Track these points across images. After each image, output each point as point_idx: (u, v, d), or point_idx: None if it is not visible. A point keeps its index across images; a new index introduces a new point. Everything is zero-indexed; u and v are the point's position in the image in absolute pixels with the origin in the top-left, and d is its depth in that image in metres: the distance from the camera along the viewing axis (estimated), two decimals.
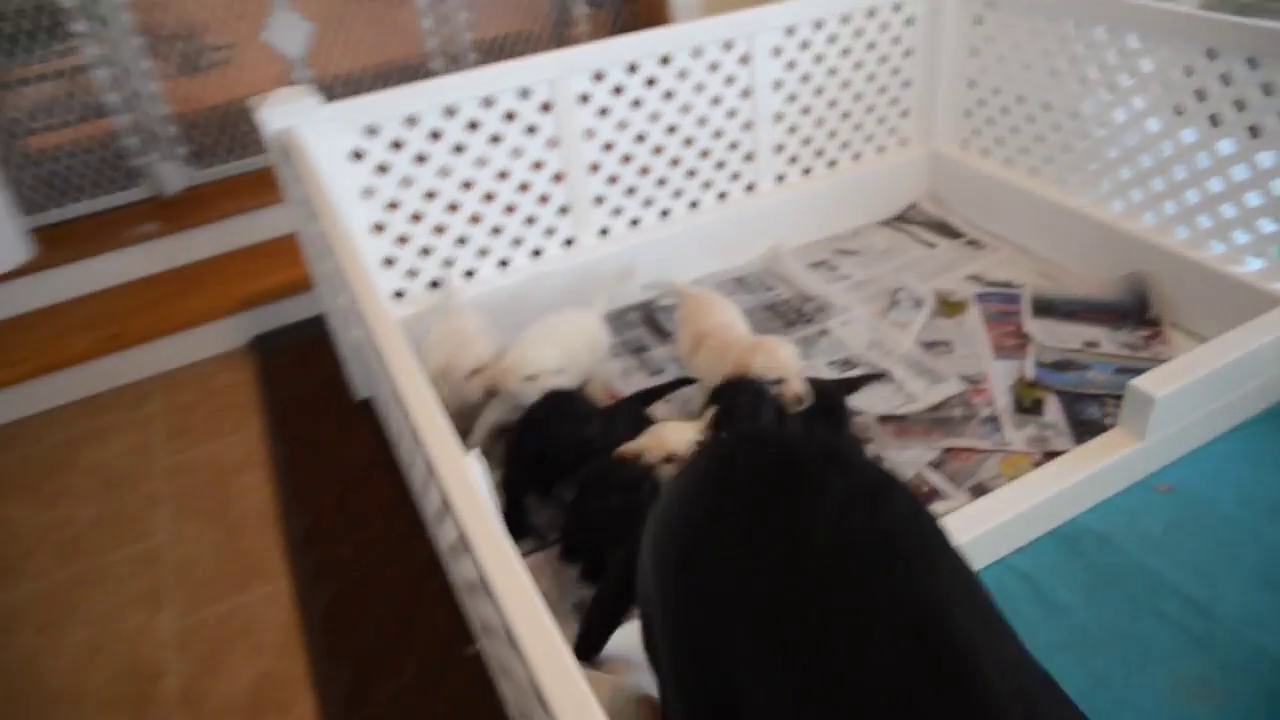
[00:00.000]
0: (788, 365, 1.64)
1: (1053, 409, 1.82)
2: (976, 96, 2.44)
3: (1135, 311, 2.05)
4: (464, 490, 0.93)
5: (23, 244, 2.46)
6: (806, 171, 2.46)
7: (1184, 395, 1.58)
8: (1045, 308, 2.12)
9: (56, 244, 2.53)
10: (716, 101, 2.25)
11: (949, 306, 2.16)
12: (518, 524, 1.62)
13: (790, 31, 2.25)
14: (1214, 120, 1.90)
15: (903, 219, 2.57)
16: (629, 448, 1.53)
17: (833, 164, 2.49)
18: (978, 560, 1.49)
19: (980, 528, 1.47)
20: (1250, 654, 1.33)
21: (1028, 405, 1.84)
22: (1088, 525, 1.57)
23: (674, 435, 1.54)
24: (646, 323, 2.23)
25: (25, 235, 2.48)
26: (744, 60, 2.23)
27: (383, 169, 1.97)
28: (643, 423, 1.69)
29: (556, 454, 1.58)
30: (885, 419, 1.82)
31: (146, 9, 2.65)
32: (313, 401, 2.17)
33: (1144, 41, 1.98)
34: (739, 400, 1.58)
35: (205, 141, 2.84)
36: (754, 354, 1.65)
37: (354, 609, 1.60)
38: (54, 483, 2.04)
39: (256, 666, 1.55)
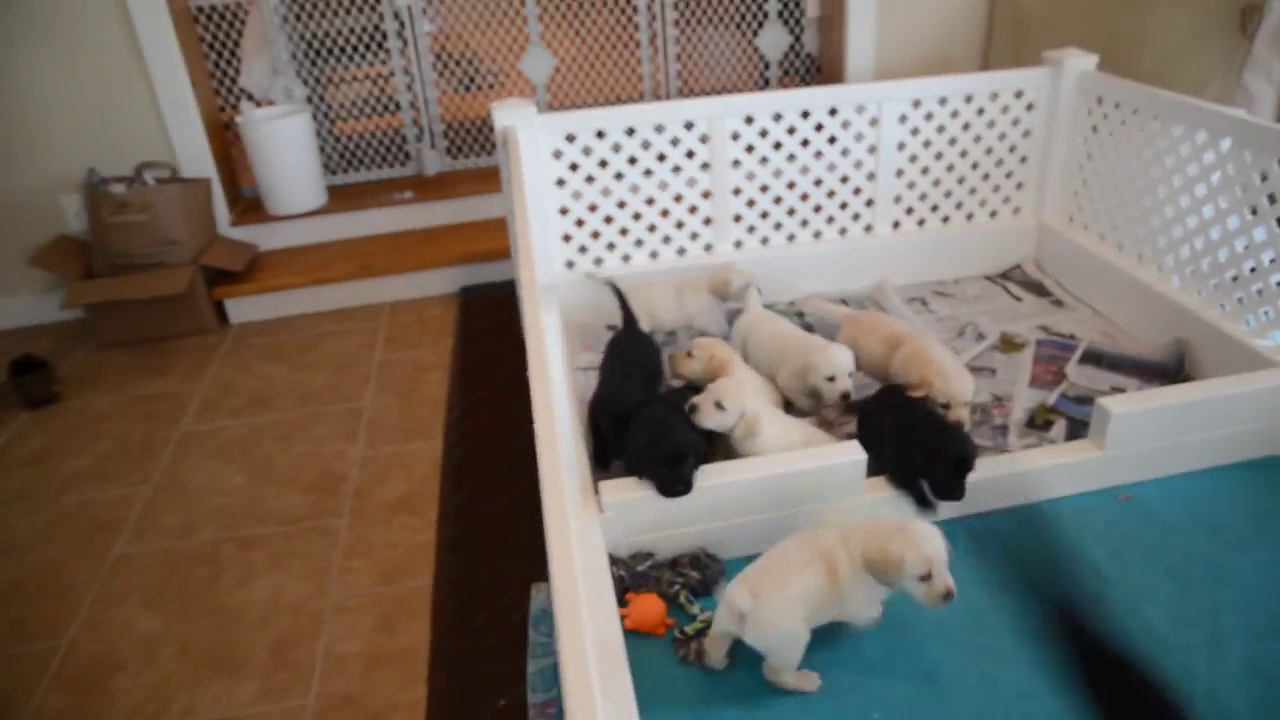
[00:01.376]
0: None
1: (1058, 430, 2.17)
2: (1083, 178, 2.79)
3: (1172, 371, 2.34)
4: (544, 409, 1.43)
5: (322, 193, 3.37)
6: (921, 223, 2.90)
7: (1142, 418, 1.92)
8: (1094, 358, 2.44)
9: (343, 197, 3.43)
10: (845, 153, 2.75)
11: (1009, 345, 2.53)
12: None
13: (916, 104, 2.72)
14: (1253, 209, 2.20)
15: (1006, 277, 2.94)
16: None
17: (946, 220, 2.91)
18: (945, 512, 1.89)
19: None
20: (1140, 622, 1.66)
21: (1039, 424, 2.20)
22: (1046, 510, 1.93)
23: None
24: None
25: (324, 188, 3.39)
26: (873, 123, 2.72)
27: (574, 167, 2.63)
28: None
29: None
30: None
31: (442, 37, 3.52)
32: (491, 334, 2.86)
33: (1229, 145, 2.30)
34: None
35: (462, 140, 3.67)
36: (938, 378, 1.99)
37: (479, 459, 2.23)
38: (304, 358, 2.84)
39: (407, 485, 2.20)
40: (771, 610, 1.45)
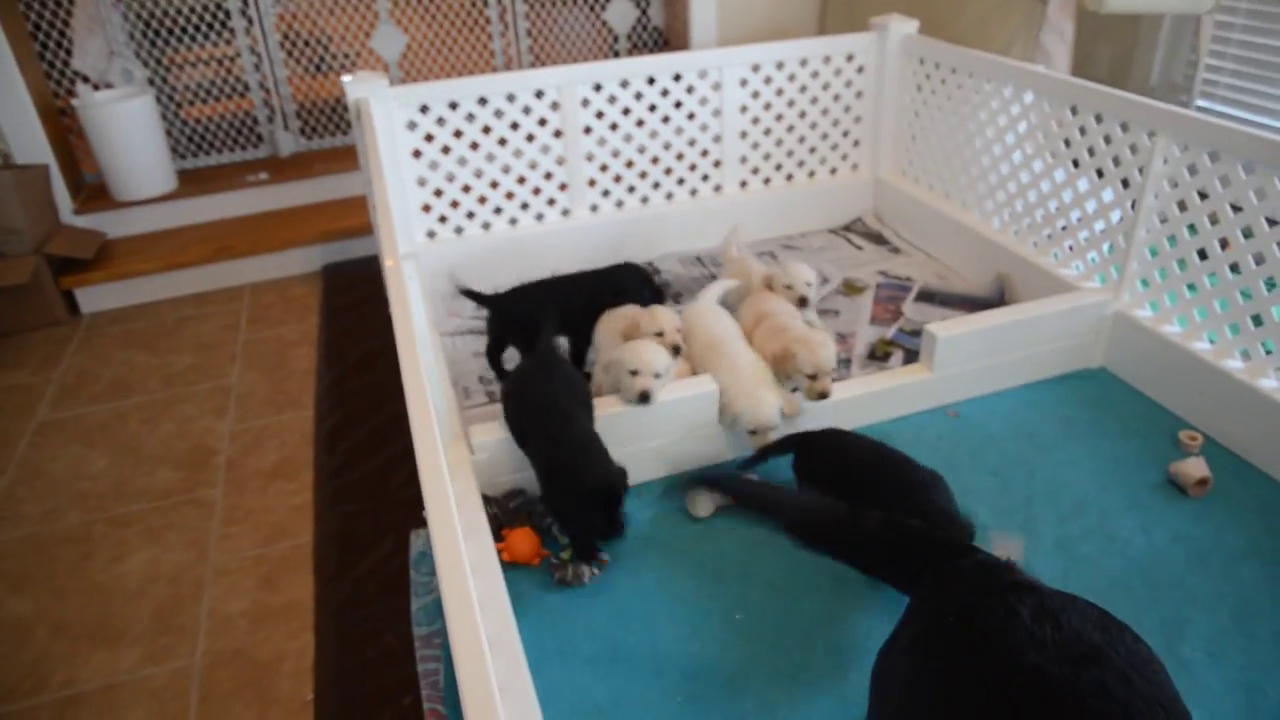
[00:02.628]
0: (825, 363, 1.95)
1: (895, 360, 2.37)
2: (911, 134, 3.02)
3: (995, 303, 2.58)
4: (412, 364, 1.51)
5: (171, 179, 3.29)
6: (767, 181, 3.07)
7: (963, 340, 2.13)
8: (928, 297, 2.67)
9: (194, 181, 3.36)
10: (692, 117, 2.89)
11: (851, 289, 2.73)
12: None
13: (755, 68, 2.88)
14: (1076, 162, 2.45)
15: (848, 229, 3.15)
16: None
17: (790, 178, 3.10)
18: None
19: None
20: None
21: (879, 355, 2.39)
22: (884, 429, 2.12)
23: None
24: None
25: (173, 173, 3.31)
26: (715, 87, 2.87)
27: (429, 138, 2.67)
28: None
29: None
30: None
31: (290, 17, 3.48)
32: (356, 308, 2.88)
33: (1031, 98, 2.54)
34: None
35: (316, 121, 3.64)
36: (800, 345, 1.96)
37: (350, 427, 2.27)
38: (166, 342, 2.80)
39: (280, 454, 2.22)
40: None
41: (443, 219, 2.78)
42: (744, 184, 3.05)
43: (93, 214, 3.19)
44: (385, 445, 2.18)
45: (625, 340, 2.02)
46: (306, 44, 3.61)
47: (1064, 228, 2.47)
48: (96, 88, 3.26)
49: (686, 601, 1.65)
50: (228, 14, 3.38)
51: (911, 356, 2.37)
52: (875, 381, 2.14)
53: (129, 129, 3.15)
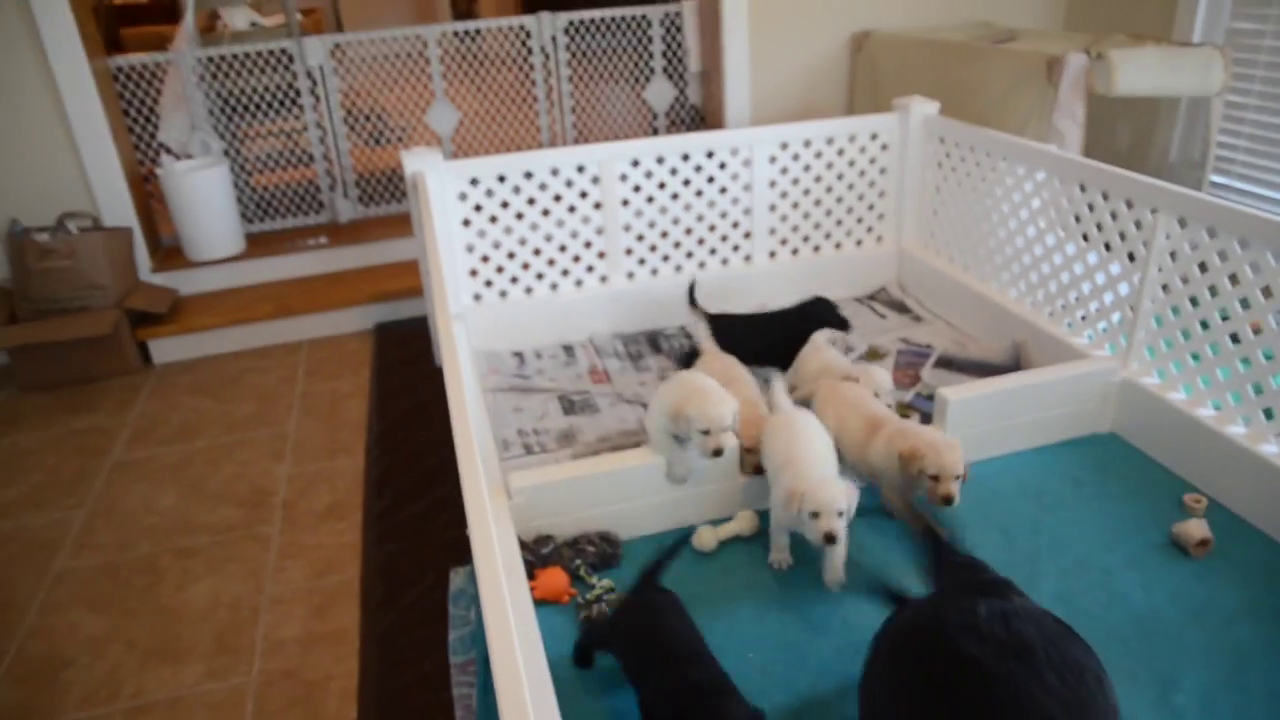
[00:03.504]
0: (952, 467, 1.93)
1: (913, 422, 2.49)
2: (933, 208, 3.18)
3: (1010, 369, 2.69)
4: (462, 423, 1.72)
5: (239, 241, 3.56)
6: (795, 252, 3.24)
7: (974, 403, 2.25)
8: (946, 363, 2.79)
9: (260, 244, 3.62)
10: (724, 191, 3.08)
11: (873, 354, 2.87)
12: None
13: (784, 146, 3.07)
14: (1086, 237, 2.59)
15: (873, 298, 3.29)
16: None
17: (817, 249, 3.26)
18: None
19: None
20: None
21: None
22: None
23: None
24: (649, 341, 3.02)
25: (242, 236, 3.58)
26: (746, 163, 3.06)
27: (478, 208, 2.89)
28: None
29: None
30: None
31: (352, 94, 3.77)
32: (406, 364, 3.07)
33: (1043, 176, 2.70)
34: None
35: (373, 189, 3.90)
36: (929, 448, 1.94)
37: (397, 473, 2.44)
38: (230, 392, 3.01)
39: (332, 496, 2.40)
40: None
41: (489, 283, 2.97)
42: (773, 254, 3.22)
43: (168, 273, 3.45)
44: (430, 490, 2.35)
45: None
46: (367, 118, 3.89)
47: (1076, 298, 2.60)
48: (178, 158, 3.55)
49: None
50: (298, 92, 3.67)
51: (926, 418, 2.49)
52: None
53: (204, 195, 3.43)
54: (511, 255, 2.97)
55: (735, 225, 3.14)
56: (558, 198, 2.94)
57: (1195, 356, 2.25)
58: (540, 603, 1.86)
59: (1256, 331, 2.08)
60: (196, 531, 2.28)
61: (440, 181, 2.80)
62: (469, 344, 2.85)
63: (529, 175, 2.88)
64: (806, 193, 3.17)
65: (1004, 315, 2.82)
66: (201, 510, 2.37)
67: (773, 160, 3.09)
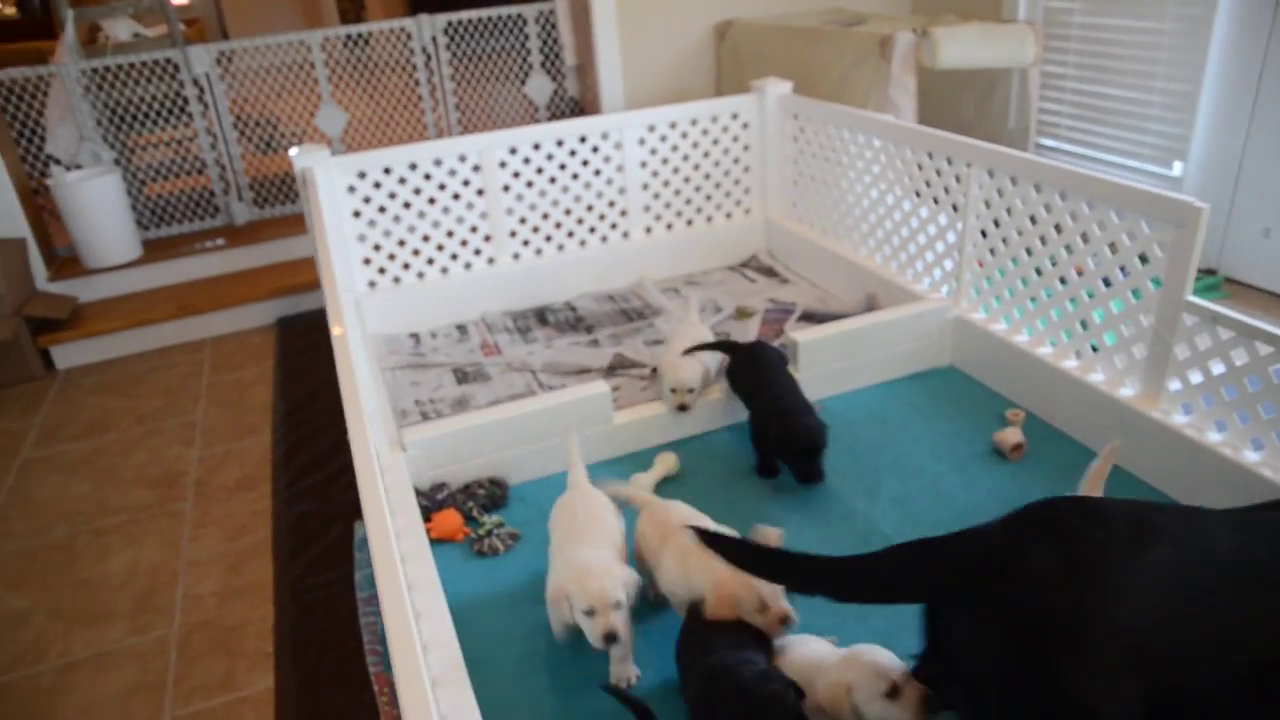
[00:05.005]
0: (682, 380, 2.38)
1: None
2: (793, 179, 3.47)
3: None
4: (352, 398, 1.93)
5: (136, 247, 3.65)
6: (669, 227, 3.49)
7: (822, 344, 2.53)
8: (809, 317, 3.08)
9: (157, 249, 3.72)
10: (598, 173, 3.31)
11: (742, 314, 3.14)
12: None
13: (652, 128, 3.32)
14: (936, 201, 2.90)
15: (744, 266, 3.57)
16: None
17: (690, 223, 3.52)
18: (683, 431, 2.43)
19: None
20: (826, 485, 2.23)
21: None
22: None
23: None
24: (536, 316, 3.24)
25: (138, 242, 3.67)
26: (617, 146, 3.30)
27: (367, 199, 3.06)
28: None
29: None
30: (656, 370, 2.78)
31: (241, 103, 3.89)
32: (308, 351, 3.22)
33: (879, 143, 3.00)
34: None
35: (267, 192, 4.03)
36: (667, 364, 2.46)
37: (303, 447, 2.61)
38: (137, 389, 3.12)
39: (242, 472, 2.55)
40: None
41: (382, 270, 3.15)
42: (649, 230, 3.47)
43: (66, 280, 3.53)
44: (335, 458, 2.52)
45: None
46: (258, 125, 4.01)
47: (915, 249, 2.91)
48: (68, 169, 3.62)
49: None
50: (186, 100, 3.78)
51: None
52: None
53: (97, 204, 3.51)
54: (402, 243, 3.14)
55: (612, 204, 3.38)
56: (442, 186, 3.13)
57: (1011, 291, 2.57)
58: (437, 542, 2.06)
59: (1054, 263, 2.40)
60: (112, 513, 2.42)
61: (328, 176, 2.96)
62: (367, 328, 3.02)
63: (413, 166, 3.06)
64: (676, 171, 3.42)
65: (858, 271, 3.12)
66: (115, 494, 2.50)
67: (642, 142, 3.33)
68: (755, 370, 2.38)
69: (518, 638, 1.80)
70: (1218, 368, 2.01)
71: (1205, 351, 2.05)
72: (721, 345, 2.54)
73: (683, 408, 2.40)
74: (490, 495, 2.18)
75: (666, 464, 2.28)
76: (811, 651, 1.54)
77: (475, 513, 2.14)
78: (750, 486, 2.24)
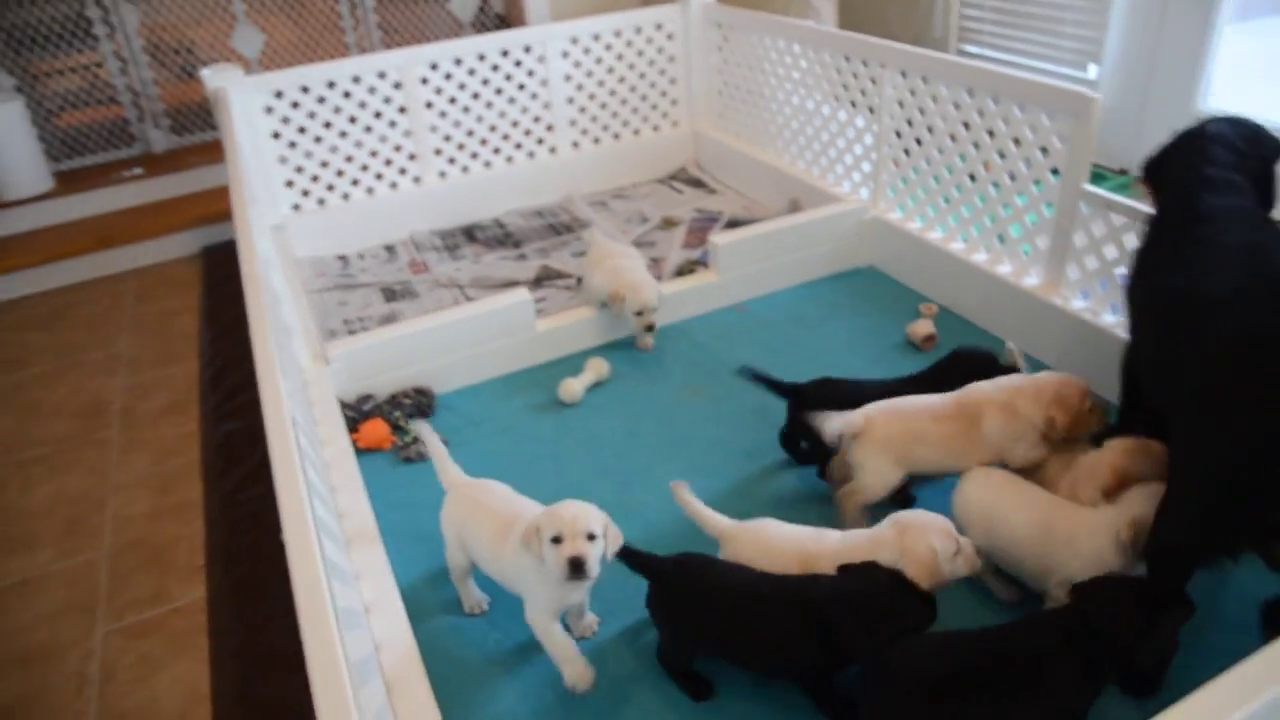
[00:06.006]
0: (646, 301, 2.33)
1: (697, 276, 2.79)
2: (718, 90, 3.46)
3: None
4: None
5: (46, 179, 3.55)
6: (596, 141, 3.48)
7: (741, 246, 2.56)
8: (734, 225, 3.10)
9: (71, 181, 3.62)
10: (522, 88, 3.27)
11: (668, 224, 3.16)
12: None
13: (574, 40, 3.28)
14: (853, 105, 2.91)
15: (673, 178, 3.58)
16: None
17: (617, 137, 3.51)
18: (607, 337, 2.47)
19: None
20: (731, 376, 2.29)
21: (685, 272, 2.81)
22: (688, 325, 2.54)
23: None
24: (465, 233, 3.23)
25: (48, 174, 3.57)
26: (541, 60, 3.26)
27: (286, 120, 3.00)
28: None
29: None
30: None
31: (153, 27, 3.76)
32: (234, 277, 3.16)
33: (799, 49, 3.00)
34: None
35: (187, 120, 3.93)
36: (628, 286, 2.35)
37: (231, 370, 2.60)
38: (56, 324, 3.08)
39: (169, 398, 2.54)
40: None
41: (306, 193, 3.10)
42: (576, 145, 3.45)
43: None
44: None
45: None
46: (175, 51, 3.88)
47: (835, 154, 2.94)
48: None
49: (515, 461, 2.05)
50: (89, 22, 3.64)
51: None
52: (675, 286, 2.56)
53: None
54: (325, 164, 3.10)
55: (537, 120, 3.35)
56: (363, 105, 3.07)
57: (924, 190, 2.62)
58: (364, 451, 2.09)
59: (964, 160, 2.45)
60: (35, 445, 2.40)
61: (244, 96, 2.89)
62: (292, 251, 2.99)
63: (332, 85, 3.01)
64: (602, 84, 3.39)
65: (783, 178, 3.15)
66: (38, 427, 2.48)
67: (565, 55, 3.29)
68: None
69: (435, 534, 1.84)
70: (1111, 253, 2.09)
71: (1100, 238, 2.12)
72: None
73: (650, 328, 2.38)
74: (417, 404, 2.21)
75: (597, 369, 2.32)
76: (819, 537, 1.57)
77: (402, 421, 2.17)
78: (674, 389, 2.29)
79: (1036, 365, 2.22)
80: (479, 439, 2.13)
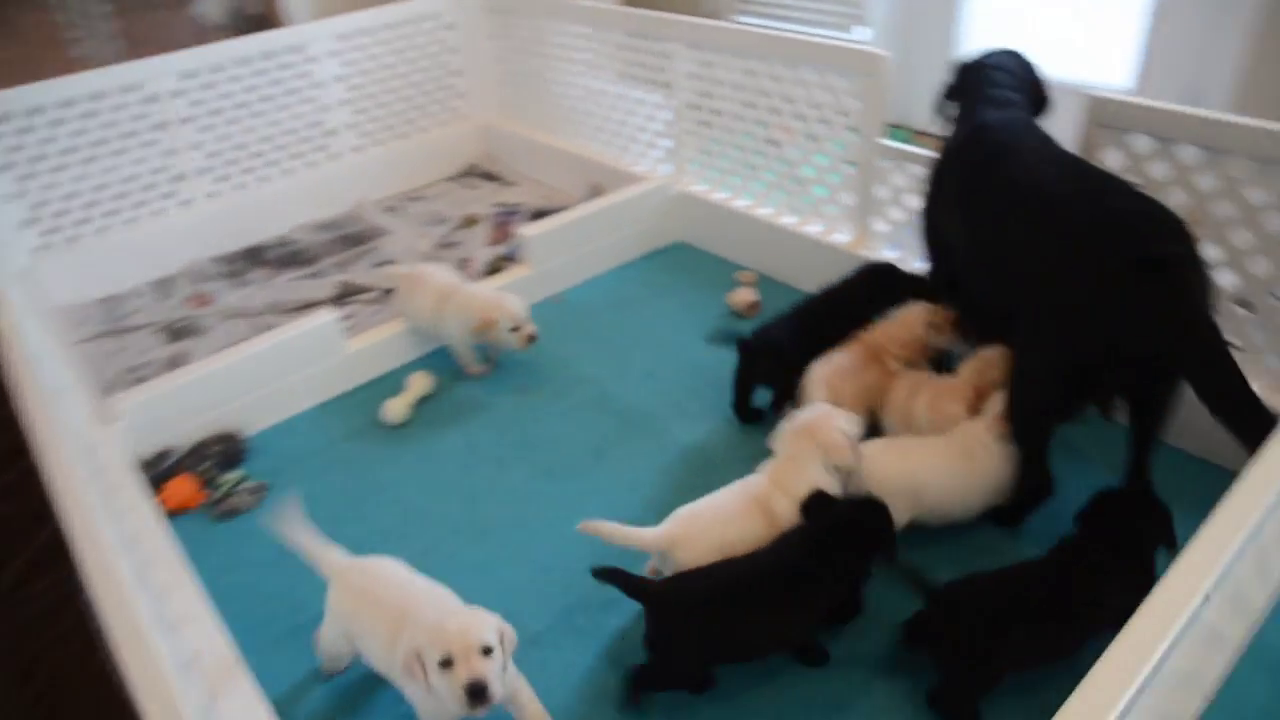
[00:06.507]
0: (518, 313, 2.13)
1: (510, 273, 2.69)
2: (506, 78, 3.35)
3: None
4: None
5: None
6: (381, 143, 3.28)
7: (551, 236, 2.48)
8: (539, 215, 3.00)
9: None
10: (293, 93, 3.03)
11: (469, 222, 3.02)
12: None
13: (343, 38, 3.07)
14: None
15: (466, 174, 3.43)
16: None
17: (403, 136, 3.32)
18: None
19: None
20: (577, 371, 2.20)
21: (495, 269, 2.69)
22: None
23: None
24: (248, 256, 2.96)
25: None
26: (310, 61, 3.02)
27: (16, 149, 2.62)
28: None
29: None
30: (390, 290, 2.61)
31: None
32: None
33: (598, 29, 2.92)
34: None
35: None
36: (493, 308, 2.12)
37: None
38: None
39: None
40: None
41: (53, 231, 2.74)
42: (358, 149, 3.24)
43: None
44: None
45: None
46: None
47: (633, 132, 2.90)
48: None
49: (350, 495, 1.88)
50: None
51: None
52: (489, 285, 2.43)
53: None
54: (71, 196, 2.74)
55: (315, 125, 3.11)
56: (110, 124, 2.74)
57: (727, 160, 2.63)
58: (174, 513, 1.86)
59: (764, 127, 2.47)
60: None
61: None
62: (43, 299, 2.64)
63: (69, 104, 2.66)
64: (380, 82, 3.19)
65: (581, 163, 3.08)
66: None
67: (335, 55, 3.07)
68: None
69: (271, 593, 1.67)
70: (914, 202, 2.16)
71: (901, 189, 2.19)
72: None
73: (532, 338, 2.15)
74: (225, 452, 1.99)
75: (421, 384, 2.17)
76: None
77: (211, 473, 1.95)
78: (506, 392, 2.18)
79: None
80: (304, 478, 1.94)
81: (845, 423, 1.59)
